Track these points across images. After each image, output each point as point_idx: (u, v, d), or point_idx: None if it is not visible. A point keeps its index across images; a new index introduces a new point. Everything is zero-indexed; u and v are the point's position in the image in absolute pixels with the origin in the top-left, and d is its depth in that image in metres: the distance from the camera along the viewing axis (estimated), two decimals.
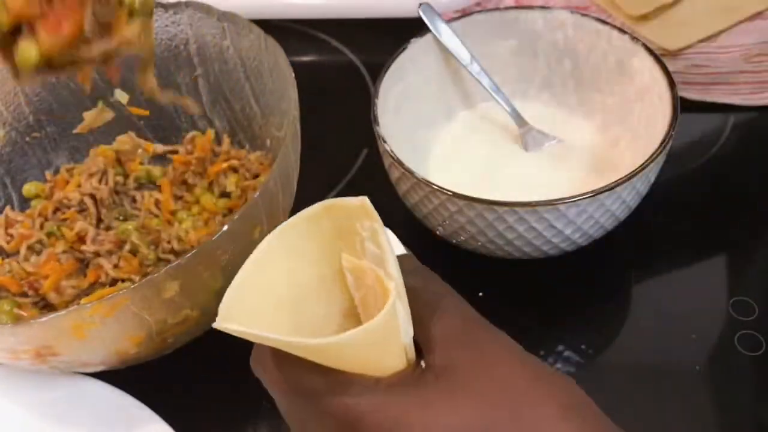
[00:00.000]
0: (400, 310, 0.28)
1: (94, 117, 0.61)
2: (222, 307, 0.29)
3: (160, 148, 0.61)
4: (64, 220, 0.56)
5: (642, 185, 0.49)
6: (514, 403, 0.27)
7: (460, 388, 0.28)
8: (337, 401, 0.28)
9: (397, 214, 0.54)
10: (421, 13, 0.59)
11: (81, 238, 0.54)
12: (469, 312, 0.31)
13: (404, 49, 0.57)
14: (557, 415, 0.27)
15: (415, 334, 0.30)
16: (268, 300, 0.30)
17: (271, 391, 0.32)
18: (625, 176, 0.47)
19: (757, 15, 0.70)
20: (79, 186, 0.57)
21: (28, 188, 0.59)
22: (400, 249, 0.36)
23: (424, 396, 0.28)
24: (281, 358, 0.30)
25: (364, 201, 0.29)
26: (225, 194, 0.57)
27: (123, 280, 0.52)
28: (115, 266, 0.53)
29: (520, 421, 0.27)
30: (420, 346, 0.30)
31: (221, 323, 0.28)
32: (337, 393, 0.28)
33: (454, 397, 0.28)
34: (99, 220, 0.56)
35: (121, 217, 0.57)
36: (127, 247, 0.53)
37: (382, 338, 0.28)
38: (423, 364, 0.29)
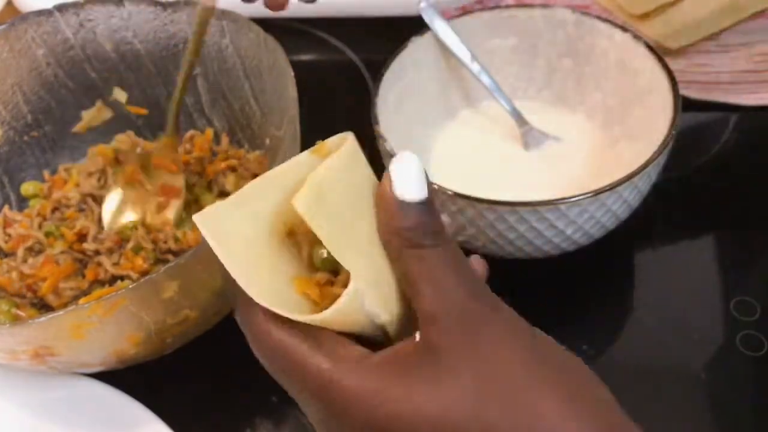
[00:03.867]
0: (367, 296, 0.28)
1: (92, 116, 0.60)
2: (212, 209, 0.29)
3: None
4: (63, 219, 0.56)
5: (643, 185, 0.49)
6: (508, 393, 0.25)
7: (446, 371, 0.26)
8: (314, 361, 0.27)
9: None
10: (422, 12, 0.59)
11: (80, 238, 0.54)
12: (476, 288, 0.29)
13: (404, 47, 0.57)
14: (557, 412, 0.25)
15: (414, 307, 0.28)
16: (256, 226, 0.30)
17: (251, 341, 0.30)
18: (627, 176, 0.47)
19: (759, 14, 0.70)
20: (77, 185, 0.57)
21: (26, 188, 0.59)
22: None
23: (407, 378, 0.26)
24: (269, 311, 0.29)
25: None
26: (224, 194, 0.57)
27: (122, 278, 0.52)
28: (115, 264, 0.53)
29: (512, 415, 0.25)
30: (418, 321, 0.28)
31: (202, 219, 0.29)
32: (317, 354, 0.27)
33: (439, 383, 0.26)
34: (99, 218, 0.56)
35: None
36: (131, 244, 0.53)
37: (345, 324, 0.28)
38: (417, 338, 0.28)
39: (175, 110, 0.55)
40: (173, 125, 0.56)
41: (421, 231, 0.29)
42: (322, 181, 0.29)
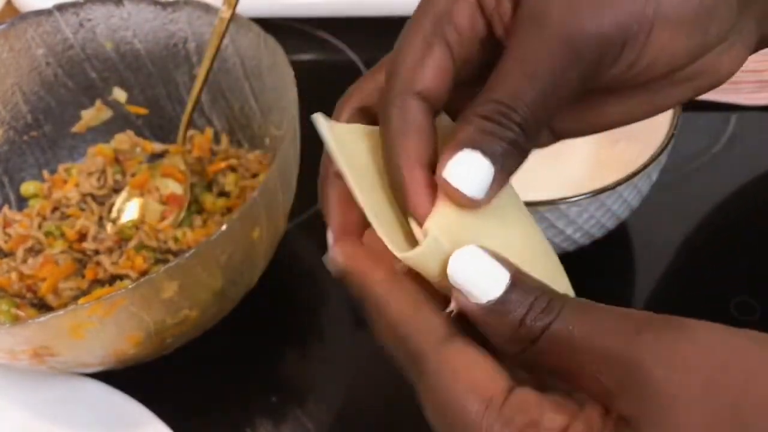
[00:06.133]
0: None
1: (92, 116, 0.60)
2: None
3: (158, 147, 0.61)
4: (65, 218, 0.56)
5: (643, 185, 0.49)
6: None
7: None
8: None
9: None
10: None
11: (81, 237, 0.54)
12: (638, 319, 0.23)
13: None
14: None
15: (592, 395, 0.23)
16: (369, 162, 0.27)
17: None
18: (627, 176, 0.47)
19: None
20: (77, 185, 0.57)
21: (26, 187, 0.59)
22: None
23: None
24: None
25: None
26: (224, 194, 0.57)
27: (122, 278, 0.52)
28: (114, 264, 0.53)
29: None
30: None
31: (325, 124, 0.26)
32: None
33: None
34: (99, 218, 0.56)
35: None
36: (133, 242, 0.53)
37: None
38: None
39: (186, 121, 0.56)
40: (183, 135, 0.57)
41: (532, 317, 0.23)
42: None
